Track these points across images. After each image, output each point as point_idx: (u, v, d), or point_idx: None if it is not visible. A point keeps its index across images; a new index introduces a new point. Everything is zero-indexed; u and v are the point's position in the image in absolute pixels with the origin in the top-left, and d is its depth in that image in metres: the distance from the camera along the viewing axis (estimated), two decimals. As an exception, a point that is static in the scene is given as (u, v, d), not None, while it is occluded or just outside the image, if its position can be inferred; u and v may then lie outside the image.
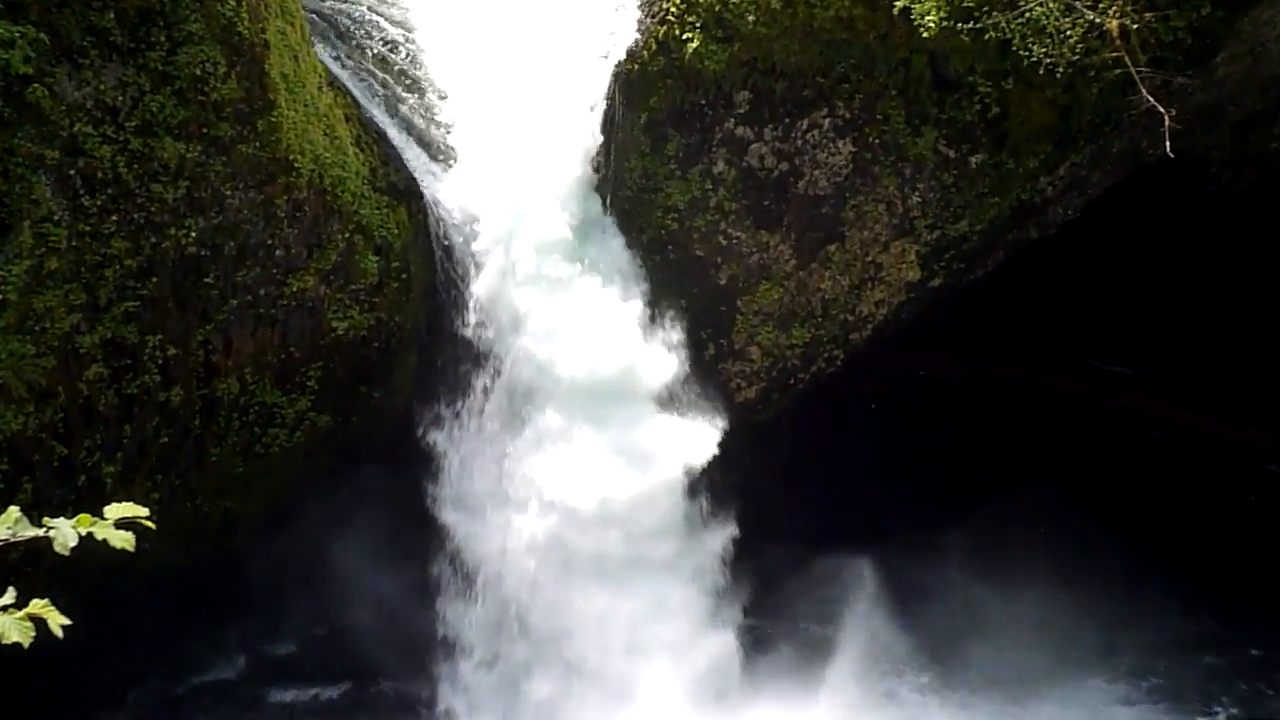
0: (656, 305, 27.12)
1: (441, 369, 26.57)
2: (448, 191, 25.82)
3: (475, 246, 25.84)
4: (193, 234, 21.81)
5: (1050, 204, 27.24)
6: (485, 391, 26.52)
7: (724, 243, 27.01)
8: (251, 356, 23.96)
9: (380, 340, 25.64)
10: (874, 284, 27.45)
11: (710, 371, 28.21)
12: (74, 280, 20.60)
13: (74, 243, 20.37)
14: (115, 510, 6.39)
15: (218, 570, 25.68)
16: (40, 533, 6.23)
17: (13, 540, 6.27)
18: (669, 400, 27.21)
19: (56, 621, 6.16)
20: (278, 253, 23.32)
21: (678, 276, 27.44)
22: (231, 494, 25.35)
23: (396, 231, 25.16)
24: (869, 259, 27.14)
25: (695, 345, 27.92)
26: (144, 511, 6.42)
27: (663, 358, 26.97)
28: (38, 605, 6.15)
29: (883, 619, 29.36)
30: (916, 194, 26.32)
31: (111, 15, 19.53)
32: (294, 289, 23.84)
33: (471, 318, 26.02)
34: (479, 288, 25.99)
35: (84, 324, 21.08)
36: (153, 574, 24.29)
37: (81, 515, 6.25)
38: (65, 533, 6.20)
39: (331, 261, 24.23)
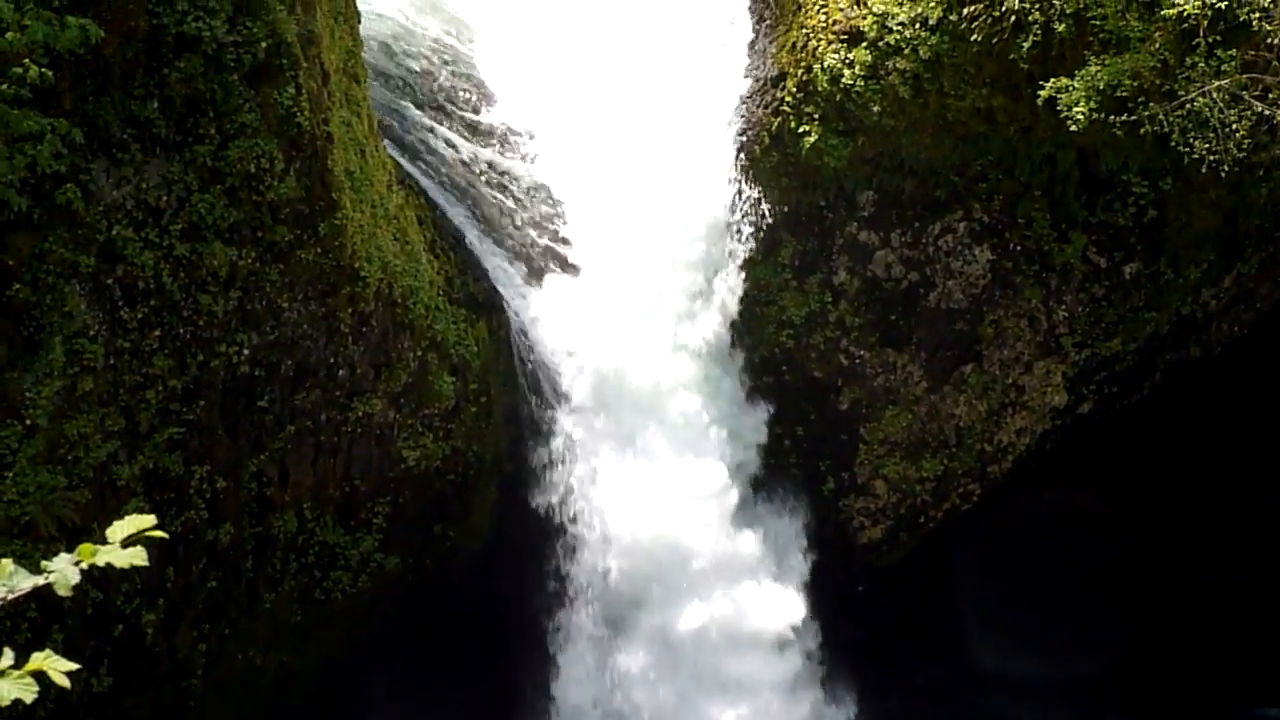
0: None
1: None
2: (538, 308, 25.33)
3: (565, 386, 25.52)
4: (245, 351, 21.10)
5: (1214, 319, 26.32)
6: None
7: (845, 363, 26.28)
8: (311, 490, 23.16)
9: (456, 472, 24.90)
10: (1015, 409, 26.61)
11: (829, 509, 27.33)
12: (111, 403, 19.88)
13: (111, 361, 19.65)
14: (119, 529, 5.90)
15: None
16: (41, 580, 5.79)
17: (10, 597, 5.83)
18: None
19: (61, 670, 5.68)
20: (341, 373, 22.61)
21: (793, 401, 26.64)
22: (287, 646, 24.42)
23: (475, 349, 24.45)
24: (1009, 381, 26.33)
25: (812, 479, 27.11)
26: (150, 520, 5.93)
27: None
28: (39, 659, 5.68)
29: None
30: (1063, 308, 25.53)
31: (155, 105, 18.88)
32: (359, 414, 23.09)
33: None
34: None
35: (122, 453, 20.34)
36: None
37: (82, 546, 5.79)
38: (66, 572, 5.77)
39: (402, 383, 23.48)
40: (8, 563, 5.85)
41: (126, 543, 5.89)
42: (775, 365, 26.48)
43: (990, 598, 29.62)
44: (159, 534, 5.95)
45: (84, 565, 5.79)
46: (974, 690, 28.89)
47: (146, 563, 5.85)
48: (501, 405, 25.37)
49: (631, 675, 26.13)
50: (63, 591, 5.75)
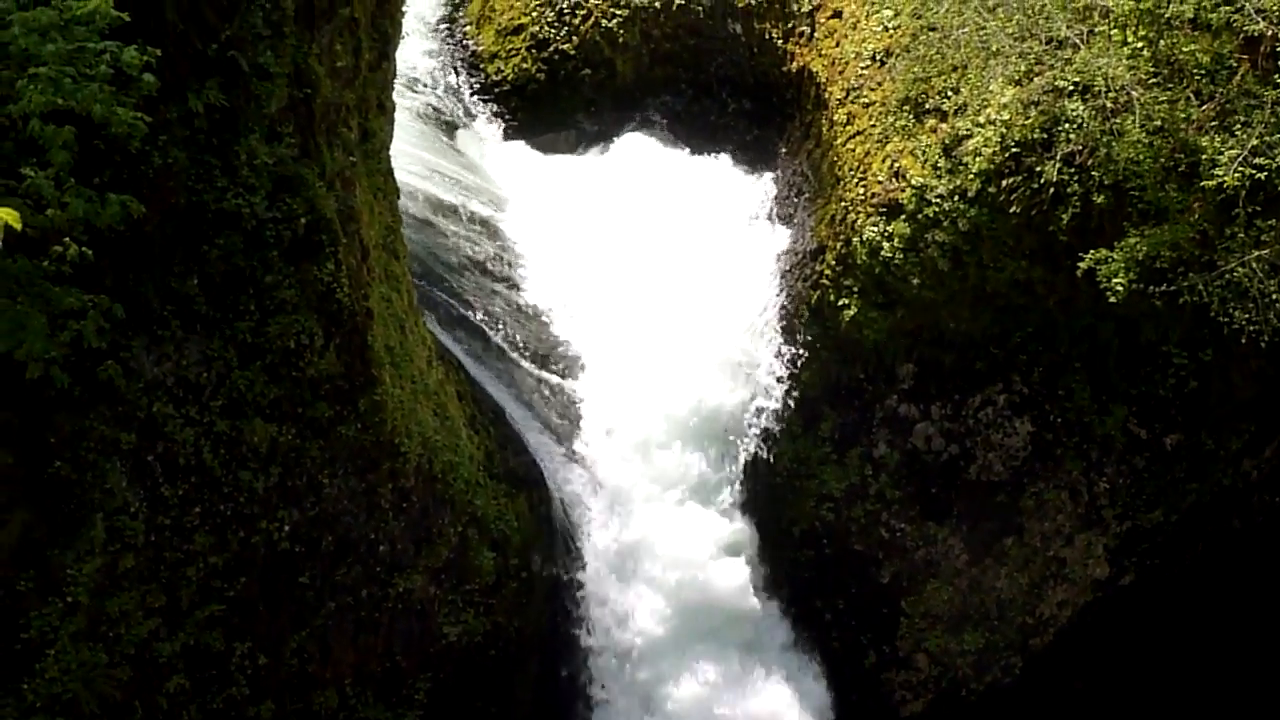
0: None
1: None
2: (577, 483, 25.11)
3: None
4: (286, 528, 20.51)
5: (1255, 490, 25.50)
6: None
7: (886, 536, 25.71)
8: (353, 666, 22.46)
9: (497, 648, 24.23)
10: (1056, 582, 25.89)
11: (871, 682, 26.57)
12: (152, 580, 19.24)
13: (152, 538, 19.01)
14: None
15: None
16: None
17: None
18: None
19: None
20: (382, 548, 21.99)
21: (834, 576, 26.02)
22: (330, 823, 23.72)
23: (516, 524, 23.96)
24: (1050, 554, 25.63)
25: (854, 653, 26.38)
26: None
27: None
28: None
29: None
30: (1104, 479, 24.86)
31: (195, 281, 18.41)
32: (400, 589, 22.45)
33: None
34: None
35: (163, 630, 19.64)
36: None
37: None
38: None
39: (443, 558, 22.94)
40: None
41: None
42: (815, 539, 25.92)
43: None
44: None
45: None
46: None
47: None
48: (543, 580, 24.85)
49: None
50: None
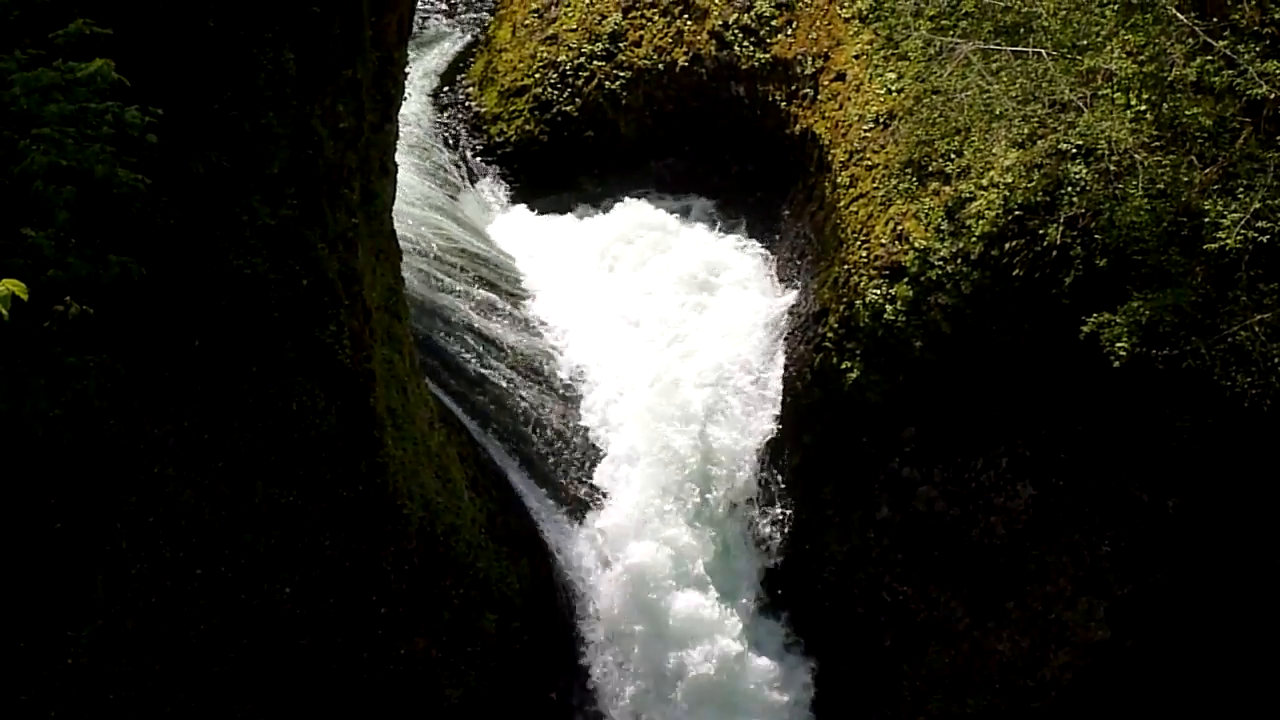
0: None
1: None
2: (580, 546, 24.99)
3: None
4: (287, 590, 20.17)
5: (1257, 552, 25.03)
6: None
7: (888, 599, 25.42)
8: (354, 730, 22.10)
9: (501, 710, 23.85)
10: (1058, 645, 25.50)
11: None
12: (152, 643, 18.91)
13: (153, 600, 18.73)
14: None
15: None
16: None
17: None
18: None
19: None
20: (383, 611, 21.61)
21: (835, 639, 25.89)
22: None
23: (518, 586, 23.71)
24: (1052, 617, 25.26)
25: (856, 715, 26.09)
26: None
27: None
28: None
29: None
30: (1106, 543, 24.55)
31: (196, 342, 18.16)
32: (402, 651, 22.10)
33: None
34: None
35: (165, 692, 19.24)
36: None
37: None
38: None
39: (444, 621, 22.59)
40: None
41: None
42: (818, 602, 25.69)
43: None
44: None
45: None
46: None
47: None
48: (546, 642, 24.65)
49: None
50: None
